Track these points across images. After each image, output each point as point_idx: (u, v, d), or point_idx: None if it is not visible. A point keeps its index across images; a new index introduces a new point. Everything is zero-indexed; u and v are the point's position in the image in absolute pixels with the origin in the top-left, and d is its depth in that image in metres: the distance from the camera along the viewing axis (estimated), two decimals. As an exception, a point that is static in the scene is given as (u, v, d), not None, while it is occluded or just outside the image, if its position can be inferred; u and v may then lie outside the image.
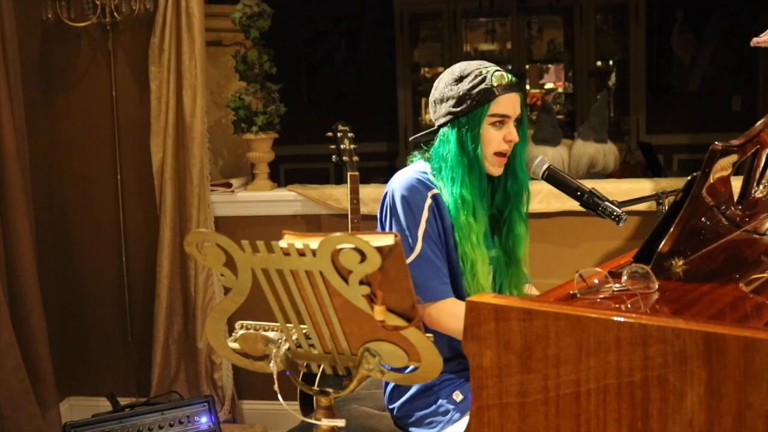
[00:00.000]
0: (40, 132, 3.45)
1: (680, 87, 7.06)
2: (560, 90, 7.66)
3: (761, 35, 2.27)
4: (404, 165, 2.15)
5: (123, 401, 3.43)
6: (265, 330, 1.42)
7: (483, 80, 1.99)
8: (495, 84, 1.99)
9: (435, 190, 2.00)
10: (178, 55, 3.30)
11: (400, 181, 2.01)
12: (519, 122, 2.05)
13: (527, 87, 7.48)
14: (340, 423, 1.36)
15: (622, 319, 1.24)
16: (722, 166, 1.59)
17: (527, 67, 7.54)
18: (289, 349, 1.36)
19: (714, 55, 6.87)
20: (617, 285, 1.47)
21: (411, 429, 2.05)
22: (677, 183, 2.95)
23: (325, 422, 1.36)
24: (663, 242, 1.53)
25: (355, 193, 2.92)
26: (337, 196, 3.35)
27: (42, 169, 3.47)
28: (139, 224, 3.54)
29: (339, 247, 1.17)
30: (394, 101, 7.28)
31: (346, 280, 1.19)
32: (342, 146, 2.92)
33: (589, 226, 3.19)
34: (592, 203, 2.13)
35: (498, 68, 2.04)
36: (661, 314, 1.40)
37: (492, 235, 2.12)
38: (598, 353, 1.24)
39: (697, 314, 1.38)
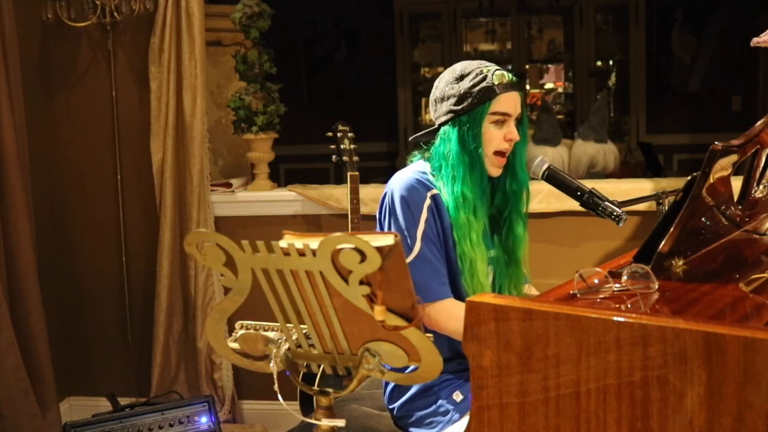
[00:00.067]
0: (40, 132, 3.45)
1: (680, 87, 7.06)
2: (560, 90, 7.66)
3: (761, 35, 2.27)
4: (404, 165, 2.15)
5: (123, 401, 3.43)
6: (265, 330, 1.42)
7: (484, 78, 1.99)
8: (496, 82, 1.99)
9: (434, 191, 2.00)
10: (178, 55, 3.30)
11: (399, 182, 2.01)
12: (519, 122, 2.06)
13: (527, 87, 7.48)
14: (340, 423, 1.36)
15: (622, 319, 1.24)
16: (722, 166, 1.60)
17: (527, 67, 7.54)
18: (289, 349, 1.36)
19: (714, 55, 6.88)
20: (617, 285, 1.47)
21: (411, 429, 2.04)
22: (677, 183, 2.95)
23: (325, 422, 1.36)
24: (663, 242, 1.53)
25: (355, 193, 2.92)
26: (337, 196, 3.35)
27: (42, 169, 3.47)
28: (139, 224, 3.54)
29: (339, 247, 1.17)
30: (394, 101, 7.28)
31: (346, 280, 1.19)
32: (342, 146, 2.92)
33: (589, 226, 3.19)
34: (592, 203, 2.13)
35: (498, 67, 2.04)
36: (661, 314, 1.40)
37: (492, 235, 2.12)
38: (598, 353, 1.24)
39: (697, 314, 1.38)
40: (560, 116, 7.12)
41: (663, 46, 7.05)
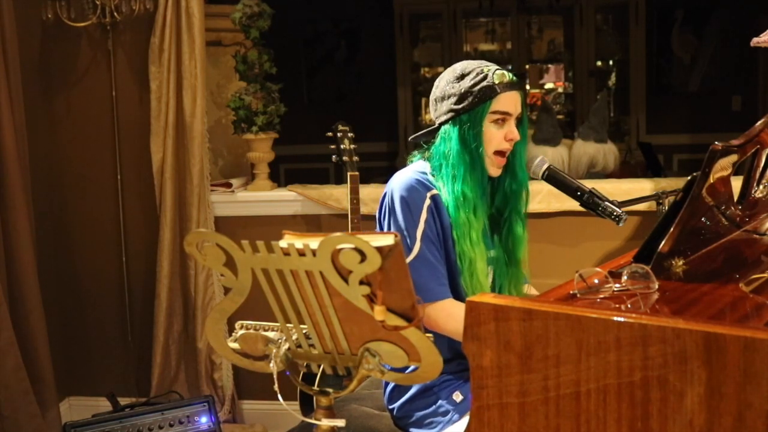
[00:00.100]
0: (40, 132, 3.45)
1: (680, 87, 7.06)
2: (560, 90, 7.66)
3: (761, 35, 2.27)
4: (404, 165, 2.15)
5: (123, 401, 3.43)
6: (265, 330, 1.42)
7: (485, 78, 2.00)
8: (497, 82, 1.99)
9: (434, 191, 2.00)
10: (178, 55, 3.30)
11: (399, 182, 2.01)
12: (519, 121, 2.06)
13: (527, 87, 7.48)
14: (340, 423, 1.36)
15: (622, 319, 1.24)
16: (722, 166, 1.59)
17: (527, 67, 7.54)
18: (289, 349, 1.36)
19: (714, 55, 6.88)
20: (617, 285, 1.47)
21: (411, 429, 2.04)
22: (677, 183, 2.95)
23: (325, 422, 1.36)
24: (663, 242, 1.53)
25: (355, 193, 2.92)
26: (337, 196, 3.35)
27: (42, 169, 3.47)
28: (139, 224, 3.54)
29: (339, 247, 1.17)
30: (394, 101, 7.28)
31: (346, 280, 1.19)
32: (342, 146, 2.92)
33: (589, 226, 3.19)
34: (592, 203, 2.13)
35: (499, 67, 2.04)
36: (661, 314, 1.40)
37: (491, 236, 2.12)
38: (598, 353, 1.24)
39: (697, 314, 1.38)
40: (560, 116, 7.12)
41: (663, 46, 7.05)
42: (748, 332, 1.16)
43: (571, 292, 1.46)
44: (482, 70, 2.02)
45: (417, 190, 1.99)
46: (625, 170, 5.22)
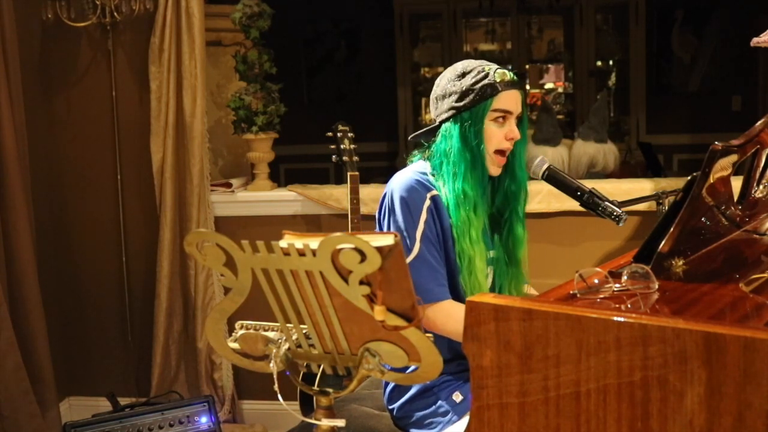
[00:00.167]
0: (40, 132, 3.45)
1: (680, 87, 7.07)
2: (560, 90, 7.66)
3: (761, 35, 2.27)
4: (404, 165, 2.15)
5: (123, 401, 3.43)
6: (265, 330, 1.42)
7: (486, 76, 2.00)
8: (498, 80, 2.00)
9: (434, 192, 2.00)
10: (178, 55, 3.30)
11: (399, 182, 2.01)
12: (519, 121, 2.06)
13: (527, 87, 7.48)
14: (340, 423, 1.36)
15: (622, 319, 1.24)
16: (722, 166, 1.59)
17: (527, 67, 7.55)
18: (289, 349, 1.35)
19: (714, 55, 6.88)
20: (617, 285, 1.47)
21: (411, 430, 2.04)
22: (677, 183, 2.95)
23: (325, 422, 1.36)
24: (663, 242, 1.53)
25: (355, 193, 2.92)
26: (337, 196, 3.35)
27: (42, 169, 3.47)
28: (139, 224, 3.54)
29: (339, 247, 1.17)
30: (394, 101, 7.28)
31: (346, 280, 1.19)
32: (342, 146, 2.92)
33: (589, 226, 3.19)
34: (592, 203, 2.13)
35: (499, 66, 2.05)
36: (661, 314, 1.40)
37: (492, 236, 2.12)
38: (598, 353, 1.24)
39: (697, 314, 1.38)
40: (560, 116, 7.12)
41: (663, 46, 7.05)
42: (748, 332, 1.16)
43: (571, 292, 1.46)
44: (483, 68, 2.02)
45: (417, 190, 1.98)
46: (625, 170, 5.22)
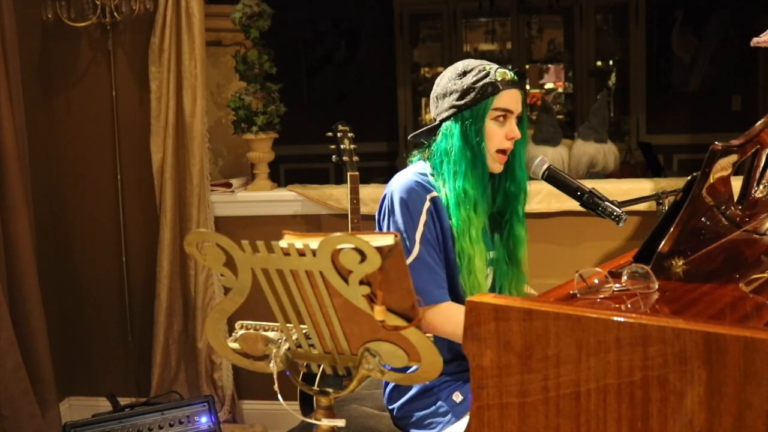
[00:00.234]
0: (40, 132, 3.45)
1: (680, 87, 7.07)
2: (560, 90, 7.66)
3: (761, 35, 2.27)
4: (404, 165, 2.15)
5: (123, 401, 3.43)
6: (265, 330, 1.42)
7: (486, 75, 2.00)
8: (499, 79, 2.00)
9: (434, 193, 2.00)
10: (178, 55, 3.30)
11: (399, 183, 2.01)
12: (519, 121, 2.06)
13: (527, 87, 7.48)
14: (340, 423, 1.36)
15: (622, 319, 1.24)
16: (722, 166, 1.59)
17: (527, 67, 7.54)
18: (289, 349, 1.35)
19: (714, 55, 6.88)
20: (617, 285, 1.47)
21: (411, 430, 2.04)
22: (677, 183, 2.95)
23: (325, 422, 1.36)
24: (663, 242, 1.53)
25: (355, 193, 2.92)
26: (337, 196, 3.35)
27: (42, 169, 3.47)
28: (139, 224, 3.54)
29: (339, 247, 1.17)
30: (394, 101, 7.28)
31: (346, 280, 1.19)
32: (342, 146, 2.92)
33: (589, 226, 3.19)
34: (592, 203, 2.13)
35: (500, 66, 2.05)
36: (661, 314, 1.40)
37: (492, 236, 2.11)
38: (598, 353, 1.24)
39: (697, 314, 1.38)
40: (560, 116, 7.12)
41: (663, 46, 7.05)
42: (748, 332, 1.16)
43: (571, 292, 1.46)
44: (484, 67, 2.02)
45: (417, 192, 1.98)
46: (625, 170, 5.22)
